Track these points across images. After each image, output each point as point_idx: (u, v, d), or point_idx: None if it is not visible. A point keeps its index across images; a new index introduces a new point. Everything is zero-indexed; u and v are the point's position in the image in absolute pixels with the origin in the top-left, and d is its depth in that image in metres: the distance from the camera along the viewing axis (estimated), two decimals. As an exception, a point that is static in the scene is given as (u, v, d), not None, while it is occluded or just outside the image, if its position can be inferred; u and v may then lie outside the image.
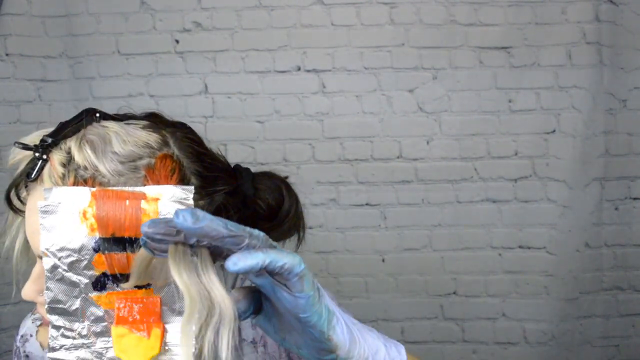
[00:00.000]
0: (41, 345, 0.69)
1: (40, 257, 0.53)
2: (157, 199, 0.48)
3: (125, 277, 0.48)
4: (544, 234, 1.92)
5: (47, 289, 0.48)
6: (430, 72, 1.89)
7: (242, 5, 1.86)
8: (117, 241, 0.47)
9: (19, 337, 0.72)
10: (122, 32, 1.86)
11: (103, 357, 0.50)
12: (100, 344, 0.50)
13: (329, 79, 1.90)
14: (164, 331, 0.50)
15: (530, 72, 1.88)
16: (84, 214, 0.47)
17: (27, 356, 0.70)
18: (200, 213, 0.38)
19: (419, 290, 1.96)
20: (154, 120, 0.58)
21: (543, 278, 1.93)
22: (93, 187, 0.49)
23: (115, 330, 0.49)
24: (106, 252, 0.47)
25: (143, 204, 0.47)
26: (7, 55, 1.82)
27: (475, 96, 1.90)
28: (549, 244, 1.92)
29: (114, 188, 0.48)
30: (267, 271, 0.40)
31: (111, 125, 0.54)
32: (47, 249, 0.47)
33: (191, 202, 0.49)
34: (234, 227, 0.39)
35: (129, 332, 0.49)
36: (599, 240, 1.93)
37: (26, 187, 0.54)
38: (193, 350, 0.43)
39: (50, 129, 0.54)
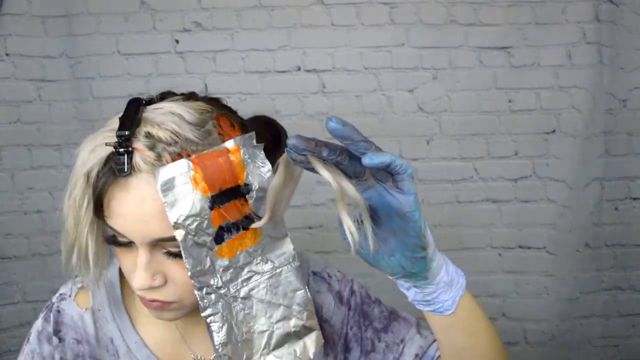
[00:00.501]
0: (79, 305, 0.73)
1: (153, 244, 0.57)
2: (237, 150, 0.57)
3: (247, 219, 0.56)
4: (544, 234, 1.92)
5: (186, 258, 0.54)
6: (430, 72, 1.89)
7: (242, 5, 1.86)
8: (224, 194, 0.55)
9: (57, 294, 0.74)
10: (122, 32, 1.86)
11: (237, 300, 0.59)
12: (232, 289, 0.58)
13: (329, 79, 1.90)
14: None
15: (530, 72, 1.88)
16: (195, 180, 0.53)
17: (58, 311, 0.72)
18: (344, 120, 0.46)
19: (419, 290, 1.96)
20: (184, 94, 0.63)
21: (543, 278, 1.93)
22: (189, 156, 0.54)
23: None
24: (221, 205, 0.55)
25: (230, 157, 0.56)
26: (7, 55, 1.81)
27: (475, 96, 1.90)
28: (549, 244, 1.92)
29: (204, 152, 0.55)
30: (390, 169, 0.47)
31: (164, 105, 0.58)
32: (176, 222, 0.53)
33: (255, 143, 0.59)
34: (363, 136, 0.47)
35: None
36: (599, 240, 1.93)
37: (104, 192, 0.55)
38: (351, 223, 0.50)
39: (108, 128, 0.57)
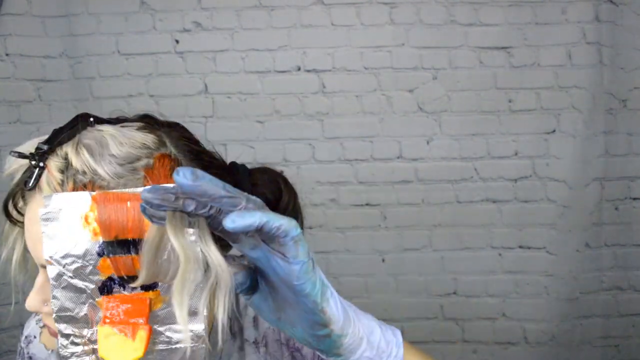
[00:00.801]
0: (45, 347, 0.70)
1: (44, 267, 0.53)
2: None
3: (132, 279, 0.48)
4: (544, 234, 1.92)
5: (54, 297, 0.48)
6: (430, 72, 1.89)
7: (242, 5, 1.86)
8: (121, 244, 0.47)
9: (23, 337, 0.72)
10: (122, 32, 1.86)
11: None
12: None
13: (329, 79, 1.90)
14: (151, 333, 0.49)
15: (530, 72, 1.88)
16: (86, 218, 0.47)
17: (30, 358, 0.71)
18: (200, 172, 0.38)
19: (419, 290, 1.96)
20: (148, 122, 0.58)
21: (543, 278, 1.93)
22: (93, 191, 0.48)
23: (101, 329, 0.48)
24: (111, 255, 0.47)
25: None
26: (7, 55, 1.81)
27: (475, 96, 1.90)
28: (549, 244, 1.92)
29: (115, 190, 0.48)
30: (264, 232, 0.40)
31: (106, 128, 0.53)
32: (51, 257, 0.47)
33: None
34: (231, 189, 0.40)
35: (114, 333, 0.48)
36: (599, 240, 1.93)
37: (23, 197, 0.53)
38: (186, 310, 0.43)
39: (45, 137, 0.53)
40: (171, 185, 0.39)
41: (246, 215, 0.38)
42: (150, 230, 0.45)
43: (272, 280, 0.44)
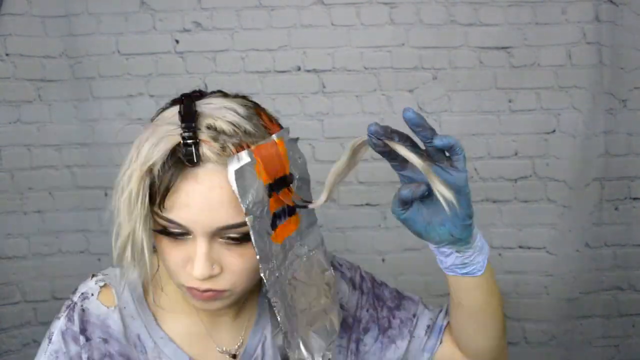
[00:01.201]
0: (101, 303, 0.72)
1: (211, 235, 0.59)
2: (282, 142, 0.62)
3: (303, 203, 0.63)
4: (544, 234, 1.92)
5: (256, 242, 0.57)
6: (430, 72, 1.89)
7: (242, 5, 1.86)
8: (278, 182, 0.60)
9: (78, 293, 0.73)
10: (122, 32, 1.86)
11: (287, 281, 0.63)
12: (283, 272, 0.62)
13: (329, 79, 1.90)
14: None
15: (530, 72, 1.88)
16: (258, 169, 0.57)
17: (83, 310, 0.71)
18: (417, 112, 0.55)
19: (419, 290, 1.95)
20: (226, 94, 0.66)
21: (543, 278, 1.93)
22: (248, 147, 0.58)
23: None
24: (277, 192, 0.59)
25: (279, 148, 0.61)
26: (7, 55, 1.81)
27: (475, 96, 1.90)
28: (549, 244, 1.92)
29: (260, 143, 0.59)
30: (452, 149, 0.56)
31: (213, 100, 0.62)
32: (247, 208, 0.56)
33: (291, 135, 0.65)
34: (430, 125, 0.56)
35: None
36: (599, 240, 1.93)
37: (168, 185, 0.58)
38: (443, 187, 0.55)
39: (164, 122, 0.60)
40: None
41: (445, 138, 0.56)
42: (338, 164, 0.58)
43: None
